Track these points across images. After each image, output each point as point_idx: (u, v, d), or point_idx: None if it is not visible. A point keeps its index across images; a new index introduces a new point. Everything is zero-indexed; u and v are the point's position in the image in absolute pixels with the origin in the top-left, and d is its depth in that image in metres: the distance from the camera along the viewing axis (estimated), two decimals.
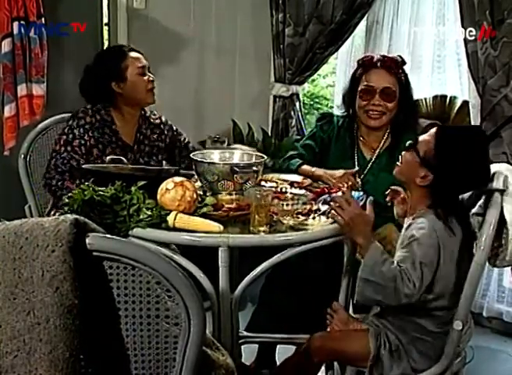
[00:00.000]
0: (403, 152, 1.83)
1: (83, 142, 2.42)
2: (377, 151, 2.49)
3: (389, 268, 1.68)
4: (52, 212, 2.43)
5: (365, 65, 2.44)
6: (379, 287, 1.68)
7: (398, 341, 1.84)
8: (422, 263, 1.67)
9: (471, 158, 1.72)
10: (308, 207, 2.03)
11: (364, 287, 1.71)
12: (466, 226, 1.77)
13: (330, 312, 2.01)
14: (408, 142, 1.83)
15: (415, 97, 2.58)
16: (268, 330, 2.33)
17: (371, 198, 2.06)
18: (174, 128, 2.67)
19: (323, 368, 2.22)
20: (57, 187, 2.38)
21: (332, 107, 3.96)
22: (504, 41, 2.65)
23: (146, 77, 2.49)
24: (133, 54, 2.50)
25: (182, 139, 2.68)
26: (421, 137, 1.79)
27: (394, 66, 2.40)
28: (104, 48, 3.34)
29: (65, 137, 2.43)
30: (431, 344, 1.83)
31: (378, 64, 2.40)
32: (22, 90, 2.75)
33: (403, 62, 2.43)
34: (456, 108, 2.85)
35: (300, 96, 3.65)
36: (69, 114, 2.50)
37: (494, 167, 1.92)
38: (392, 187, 2.01)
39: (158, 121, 2.62)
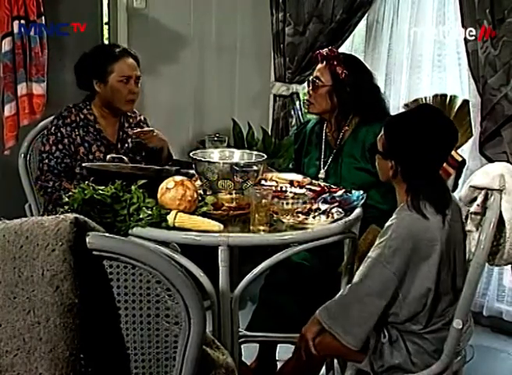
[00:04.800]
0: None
1: (71, 140, 2.43)
2: (338, 141, 2.53)
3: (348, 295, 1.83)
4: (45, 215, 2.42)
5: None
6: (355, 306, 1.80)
7: (397, 331, 1.85)
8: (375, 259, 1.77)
9: (418, 131, 1.79)
10: (308, 206, 2.03)
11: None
12: (442, 211, 1.78)
13: None
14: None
15: (417, 96, 2.61)
16: (269, 330, 2.33)
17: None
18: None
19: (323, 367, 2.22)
20: (53, 188, 2.38)
21: None
22: (504, 40, 2.65)
23: (128, 87, 2.45)
24: (126, 60, 2.46)
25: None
26: (377, 137, 1.88)
27: (329, 57, 2.47)
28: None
29: (53, 136, 2.42)
30: (424, 338, 1.84)
31: (319, 57, 2.52)
32: (22, 89, 2.75)
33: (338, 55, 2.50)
34: (457, 107, 2.83)
35: (300, 95, 3.65)
36: None
37: (491, 166, 1.93)
38: None
39: (138, 119, 2.62)
